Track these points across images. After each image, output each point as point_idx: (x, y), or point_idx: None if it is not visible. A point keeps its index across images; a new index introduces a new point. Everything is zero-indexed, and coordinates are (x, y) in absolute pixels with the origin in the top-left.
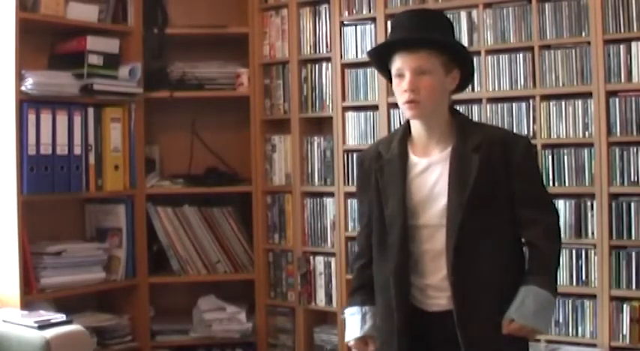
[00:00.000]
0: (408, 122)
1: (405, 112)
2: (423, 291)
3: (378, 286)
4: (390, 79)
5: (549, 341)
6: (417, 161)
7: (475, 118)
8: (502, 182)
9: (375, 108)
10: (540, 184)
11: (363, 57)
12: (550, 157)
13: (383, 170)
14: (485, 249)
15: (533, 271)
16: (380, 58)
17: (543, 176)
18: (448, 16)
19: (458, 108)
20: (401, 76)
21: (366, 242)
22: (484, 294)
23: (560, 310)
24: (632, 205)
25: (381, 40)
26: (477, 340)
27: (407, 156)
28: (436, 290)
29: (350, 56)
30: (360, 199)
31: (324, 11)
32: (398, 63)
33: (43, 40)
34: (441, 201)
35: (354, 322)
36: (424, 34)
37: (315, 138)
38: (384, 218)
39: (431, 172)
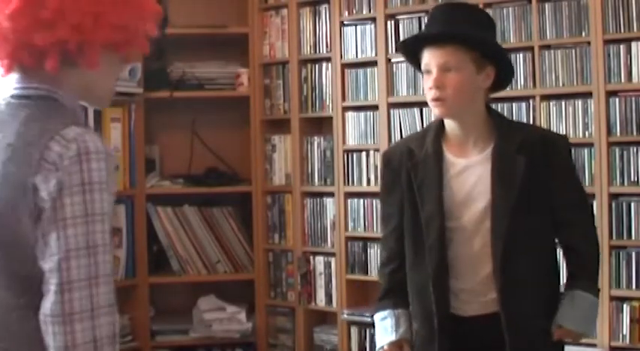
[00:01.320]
0: (441, 120)
1: (432, 109)
2: (456, 295)
3: (415, 291)
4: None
5: None
6: (454, 161)
7: None
8: (543, 183)
9: (375, 108)
10: (580, 186)
11: (363, 57)
12: None
13: (417, 169)
14: (529, 252)
15: (577, 275)
16: (412, 53)
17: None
18: None
19: None
20: (428, 72)
21: (397, 245)
22: (529, 298)
23: None
24: (632, 205)
25: (381, 40)
26: (524, 344)
27: (442, 155)
28: (470, 294)
29: (350, 56)
30: (385, 200)
31: (324, 11)
32: (425, 58)
33: None
34: (480, 203)
35: (387, 326)
36: (453, 29)
37: (315, 138)
38: (420, 220)
39: (470, 174)
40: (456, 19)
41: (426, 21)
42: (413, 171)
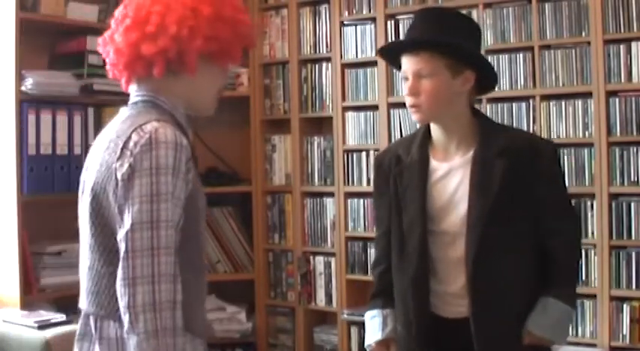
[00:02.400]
0: (428, 124)
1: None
2: (442, 298)
3: (398, 293)
4: None
5: None
6: (437, 166)
7: None
8: (526, 189)
9: (375, 108)
10: (565, 191)
11: (363, 57)
12: None
13: (402, 175)
14: (505, 259)
15: (552, 283)
16: (394, 59)
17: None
18: None
19: None
20: (406, 79)
21: (386, 248)
22: (502, 304)
23: None
24: (632, 205)
25: (381, 40)
26: (493, 350)
27: (427, 161)
28: (456, 297)
29: (350, 56)
30: (377, 204)
31: (324, 11)
32: (403, 65)
33: (43, 40)
34: (462, 207)
35: (375, 325)
36: (426, 36)
37: (315, 138)
38: (403, 224)
39: (452, 178)
40: (434, 25)
41: None
42: (399, 177)
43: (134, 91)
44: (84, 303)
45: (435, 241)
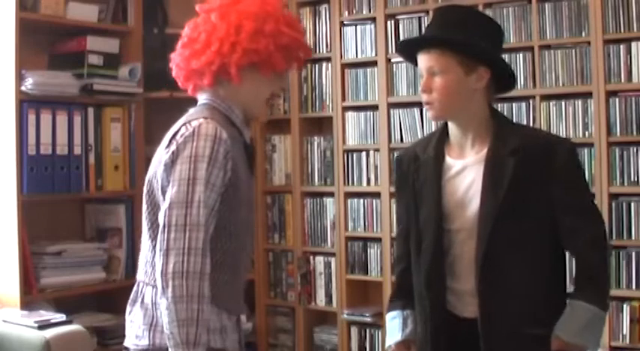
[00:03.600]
0: (446, 122)
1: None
2: (459, 296)
3: (416, 291)
4: None
5: None
6: (452, 163)
7: None
8: (541, 188)
9: (375, 108)
10: (584, 191)
11: (363, 57)
12: None
13: (419, 172)
14: (517, 258)
15: (580, 285)
16: (412, 56)
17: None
18: None
19: None
20: (422, 76)
21: (405, 246)
22: (512, 305)
23: None
24: (632, 205)
25: (381, 40)
26: (502, 349)
27: (443, 158)
28: (472, 296)
29: (350, 56)
30: (398, 202)
31: (324, 11)
32: (418, 63)
33: (43, 40)
34: (475, 205)
35: (395, 326)
36: (438, 33)
37: (315, 138)
38: (419, 222)
39: (465, 175)
40: (449, 22)
41: (425, 21)
42: (415, 174)
43: (200, 96)
44: (138, 272)
45: (450, 238)
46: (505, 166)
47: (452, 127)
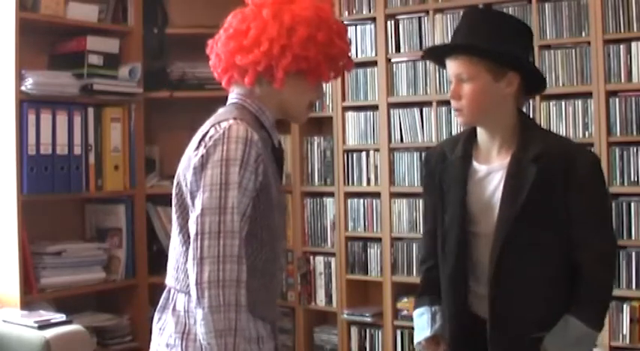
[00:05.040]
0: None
1: None
2: (480, 299)
3: (443, 290)
4: None
5: None
6: (478, 168)
7: None
8: (559, 197)
9: (375, 108)
10: (600, 205)
11: (363, 57)
12: None
13: (445, 173)
14: (530, 265)
15: (579, 300)
16: (441, 61)
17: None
18: (448, 15)
19: None
20: (450, 82)
21: (431, 246)
22: (522, 311)
23: None
24: (632, 205)
25: (381, 40)
26: (506, 348)
27: (470, 161)
28: None
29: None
30: (425, 200)
31: None
32: (447, 69)
33: (43, 40)
34: (496, 211)
35: (424, 322)
36: (465, 40)
37: (315, 138)
38: (444, 223)
39: (490, 180)
40: (476, 27)
41: (426, 21)
42: (443, 174)
43: (231, 93)
44: (168, 278)
45: (474, 242)
46: (526, 173)
47: (480, 131)
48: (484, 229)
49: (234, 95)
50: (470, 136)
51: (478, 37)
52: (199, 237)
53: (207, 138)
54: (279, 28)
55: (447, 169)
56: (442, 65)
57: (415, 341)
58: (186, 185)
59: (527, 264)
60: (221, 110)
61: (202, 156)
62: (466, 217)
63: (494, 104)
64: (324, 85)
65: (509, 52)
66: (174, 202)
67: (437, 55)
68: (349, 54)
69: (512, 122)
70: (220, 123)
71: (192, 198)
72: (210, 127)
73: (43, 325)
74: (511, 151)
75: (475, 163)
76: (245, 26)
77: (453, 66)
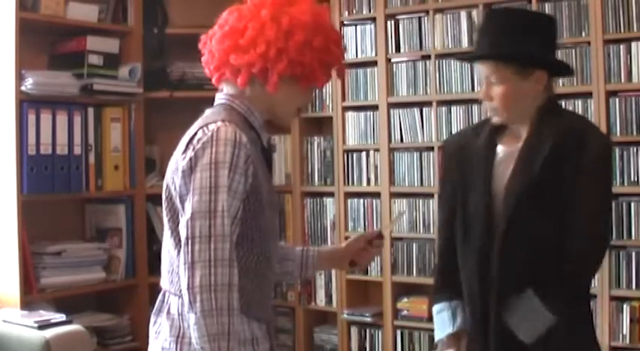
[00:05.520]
0: None
1: None
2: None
3: (465, 280)
4: None
5: None
6: (500, 151)
7: (475, 119)
8: (563, 179)
9: (375, 108)
10: (600, 193)
11: (363, 57)
12: None
13: (467, 160)
14: (531, 244)
15: (550, 280)
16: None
17: None
18: (448, 15)
19: (458, 107)
20: (481, 84)
21: (449, 238)
22: (524, 283)
23: None
24: (632, 205)
25: (381, 40)
26: (508, 340)
27: (494, 146)
28: None
29: (350, 56)
30: (442, 187)
31: None
32: (478, 71)
33: (43, 40)
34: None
35: (444, 318)
36: (490, 46)
37: (315, 138)
38: (467, 212)
39: (509, 162)
40: (499, 30)
41: (425, 21)
42: (464, 162)
43: (219, 93)
44: (162, 281)
45: (498, 225)
46: (539, 149)
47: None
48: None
49: (222, 95)
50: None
51: (502, 41)
52: (190, 241)
53: (195, 141)
54: (277, 30)
55: (469, 156)
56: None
57: (436, 339)
58: (175, 189)
59: (531, 242)
60: (209, 112)
61: (191, 159)
62: (490, 202)
63: (525, 101)
64: (323, 85)
65: (534, 54)
66: (164, 205)
67: (465, 60)
68: (343, 62)
69: (540, 108)
70: (208, 125)
71: (182, 202)
72: (198, 130)
73: (43, 325)
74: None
75: (499, 147)
76: (242, 25)
77: (482, 69)
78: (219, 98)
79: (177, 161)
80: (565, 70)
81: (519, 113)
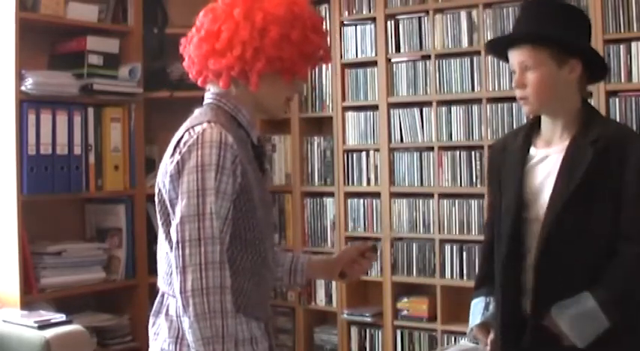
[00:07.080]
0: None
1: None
2: (527, 291)
3: (496, 277)
4: None
5: None
6: (535, 153)
7: (475, 119)
8: (612, 182)
9: (375, 108)
10: None
11: (363, 57)
12: None
13: (505, 161)
14: (577, 248)
15: (602, 283)
16: (501, 54)
17: None
18: (448, 15)
19: (458, 107)
20: (513, 72)
21: (491, 236)
22: (564, 295)
23: None
24: None
25: (381, 40)
26: (547, 345)
27: (528, 147)
28: None
29: (350, 56)
30: (488, 189)
31: (324, 11)
32: (510, 60)
33: (43, 40)
34: (547, 193)
35: (477, 310)
36: (527, 29)
37: (315, 138)
38: (502, 210)
39: (546, 164)
40: (535, 16)
41: (425, 21)
42: (503, 164)
43: (207, 92)
44: (159, 282)
45: (527, 228)
46: (584, 155)
47: (544, 119)
48: (535, 213)
49: (209, 95)
50: (532, 124)
51: (540, 26)
52: (180, 245)
53: (181, 144)
54: (251, 29)
55: (506, 159)
56: (503, 58)
57: (467, 328)
58: (166, 192)
59: (574, 248)
60: (196, 112)
61: (178, 163)
62: (521, 202)
63: (558, 91)
64: (323, 84)
65: (572, 39)
66: (157, 208)
67: (500, 45)
68: (327, 48)
69: (575, 108)
70: (194, 127)
71: (172, 205)
72: (185, 132)
73: (43, 325)
74: (572, 136)
75: (532, 149)
76: (217, 27)
77: (516, 55)
78: (207, 98)
79: (167, 165)
80: (601, 67)
81: (550, 104)
